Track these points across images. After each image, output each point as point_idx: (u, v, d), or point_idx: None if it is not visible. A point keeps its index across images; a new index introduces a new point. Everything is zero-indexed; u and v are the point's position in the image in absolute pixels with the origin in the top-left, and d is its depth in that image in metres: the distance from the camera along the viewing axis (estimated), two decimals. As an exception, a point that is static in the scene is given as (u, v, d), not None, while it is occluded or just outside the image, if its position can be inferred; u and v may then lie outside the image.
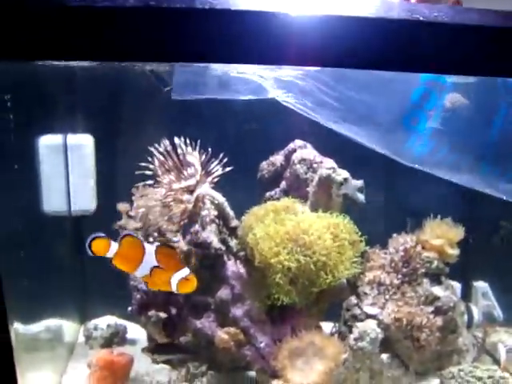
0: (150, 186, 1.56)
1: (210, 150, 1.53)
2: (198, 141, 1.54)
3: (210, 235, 1.60)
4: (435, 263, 1.64)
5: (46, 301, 1.64)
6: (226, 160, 1.53)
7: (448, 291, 1.63)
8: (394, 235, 1.74)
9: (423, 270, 1.63)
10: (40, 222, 1.74)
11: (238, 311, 1.57)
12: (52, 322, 1.75)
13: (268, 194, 1.87)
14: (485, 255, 1.97)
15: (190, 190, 1.55)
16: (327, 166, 1.72)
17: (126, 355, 1.67)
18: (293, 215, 1.61)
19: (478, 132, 1.62)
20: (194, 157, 1.56)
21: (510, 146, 1.61)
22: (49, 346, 1.75)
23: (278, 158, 1.90)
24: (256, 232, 1.56)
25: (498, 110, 1.60)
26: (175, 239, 1.59)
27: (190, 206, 1.54)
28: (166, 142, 1.56)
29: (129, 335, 2.01)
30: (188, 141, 1.55)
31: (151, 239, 1.56)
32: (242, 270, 1.61)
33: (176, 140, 1.55)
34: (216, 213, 1.63)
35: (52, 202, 1.75)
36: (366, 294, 1.63)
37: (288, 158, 1.86)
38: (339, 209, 1.68)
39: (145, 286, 1.60)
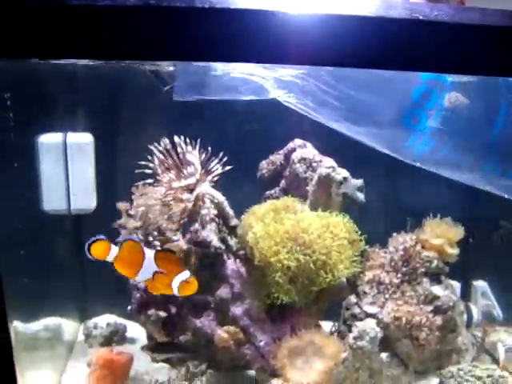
0: (149, 184, 1.56)
1: (209, 148, 1.53)
2: (198, 140, 1.55)
3: (210, 234, 1.60)
4: (435, 262, 1.64)
5: (46, 299, 1.64)
6: (225, 159, 1.53)
7: (447, 290, 1.63)
8: (394, 234, 1.74)
9: (423, 270, 1.63)
10: (39, 220, 1.74)
11: (237, 310, 1.57)
12: (51, 321, 1.75)
13: (268, 192, 1.88)
14: (484, 254, 1.97)
15: (190, 189, 1.55)
16: (327, 165, 1.72)
17: (125, 354, 1.67)
18: (292, 214, 1.61)
19: (479, 131, 1.61)
20: (193, 156, 1.56)
21: (510, 145, 1.61)
22: (48, 344, 1.75)
23: (277, 157, 1.90)
24: (256, 231, 1.56)
25: (498, 108, 1.60)
26: (175, 238, 1.59)
27: (189, 205, 1.54)
28: (166, 141, 1.56)
29: (128, 334, 2.01)
30: (188, 140, 1.55)
31: (151, 238, 1.56)
32: (242, 269, 1.61)
33: (176, 139, 1.55)
34: (216, 212, 1.64)
35: (52, 200, 1.75)
36: (365, 293, 1.63)
37: (288, 157, 1.86)
38: (339, 208, 1.68)
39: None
